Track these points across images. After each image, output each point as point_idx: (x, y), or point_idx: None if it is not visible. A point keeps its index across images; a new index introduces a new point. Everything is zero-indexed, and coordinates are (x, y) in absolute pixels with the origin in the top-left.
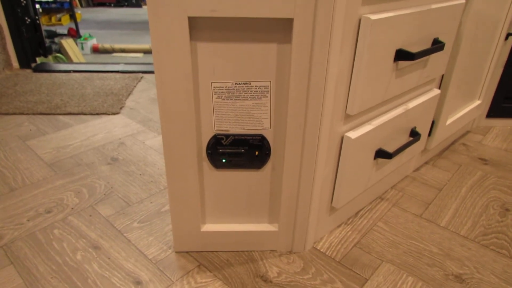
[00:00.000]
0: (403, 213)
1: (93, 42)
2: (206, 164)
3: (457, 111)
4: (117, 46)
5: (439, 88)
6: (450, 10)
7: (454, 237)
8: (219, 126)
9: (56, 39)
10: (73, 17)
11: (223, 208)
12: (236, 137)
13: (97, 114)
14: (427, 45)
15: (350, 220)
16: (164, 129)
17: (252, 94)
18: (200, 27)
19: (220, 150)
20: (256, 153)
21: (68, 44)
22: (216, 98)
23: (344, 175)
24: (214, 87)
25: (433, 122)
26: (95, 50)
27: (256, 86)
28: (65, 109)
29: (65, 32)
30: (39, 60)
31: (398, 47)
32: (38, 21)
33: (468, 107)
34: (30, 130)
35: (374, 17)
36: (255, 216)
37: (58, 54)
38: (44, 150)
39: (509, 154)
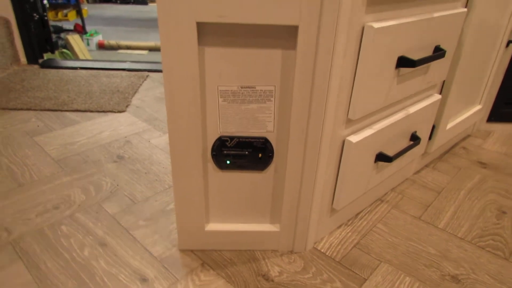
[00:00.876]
0: (402, 215)
1: (99, 38)
2: (211, 165)
3: (458, 116)
4: (122, 42)
5: (440, 93)
6: (452, 18)
7: (451, 238)
8: (224, 129)
9: (62, 35)
10: (79, 13)
11: (227, 208)
12: (240, 139)
13: (104, 111)
14: (429, 52)
15: (350, 221)
16: (171, 129)
17: (257, 98)
18: (208, 32)
19: (225, 152)
20: (260, 155)
21: (74, 40)
22: (222, 101)
23: (345, 177)
24: (220, 90)
25: (433, 127)
26: (101, 46)
27: (261, 90)
28: (72, 105)
29: (72, 28)
30: (46, 56)
31: (400, 54)
32: (46, 17)
33: (469, 112)
34: (38, 126)
35: (377, 25)
36: (257, 217)
37: (64, 50)
38: (51, 146)
39: (507, 158)
